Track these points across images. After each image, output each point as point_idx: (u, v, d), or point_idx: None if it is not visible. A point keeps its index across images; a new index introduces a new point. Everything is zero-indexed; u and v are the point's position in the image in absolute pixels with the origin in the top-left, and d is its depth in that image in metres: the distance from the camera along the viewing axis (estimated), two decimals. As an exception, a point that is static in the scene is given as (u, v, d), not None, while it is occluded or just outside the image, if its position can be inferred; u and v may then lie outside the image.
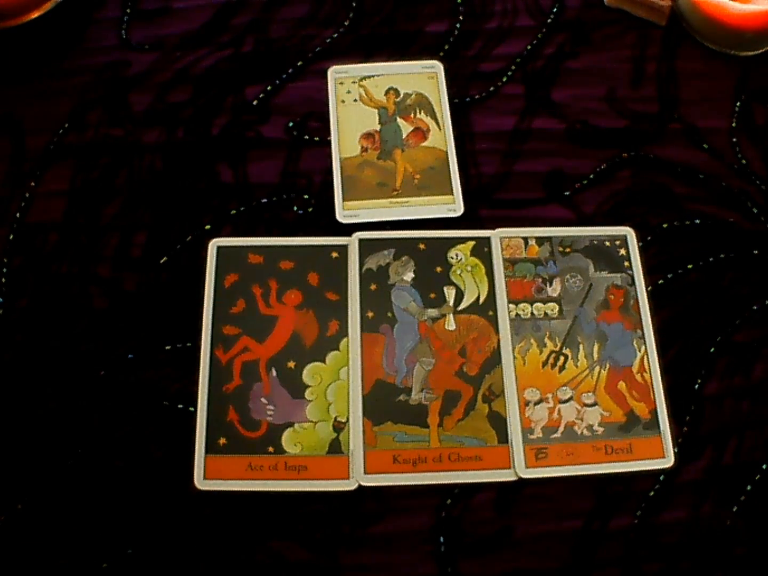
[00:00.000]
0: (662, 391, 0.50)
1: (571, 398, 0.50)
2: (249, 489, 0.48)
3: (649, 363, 0.51)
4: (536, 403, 0.50)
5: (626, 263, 0.54)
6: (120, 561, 0.46)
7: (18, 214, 0.56)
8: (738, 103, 0.60)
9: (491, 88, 0.61)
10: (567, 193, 0.57)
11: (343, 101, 0.60)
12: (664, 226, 0.56)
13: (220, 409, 0.49)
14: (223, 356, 0.51)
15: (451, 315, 0.52)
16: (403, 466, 0.48)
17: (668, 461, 0.49)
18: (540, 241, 0.55)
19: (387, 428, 0.49)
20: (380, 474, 0.48)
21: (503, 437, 0.49)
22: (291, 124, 0.59)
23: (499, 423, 0.49)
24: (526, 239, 0.55)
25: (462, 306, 0.53)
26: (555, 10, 0.64)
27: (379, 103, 0.60)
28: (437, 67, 0.62)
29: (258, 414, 0.49)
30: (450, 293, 0.53)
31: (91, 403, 0.50)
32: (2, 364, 0.51)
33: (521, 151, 0.58)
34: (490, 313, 0.53)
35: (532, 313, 0.53)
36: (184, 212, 0.56)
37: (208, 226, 0.56)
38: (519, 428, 0.49)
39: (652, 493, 0.48)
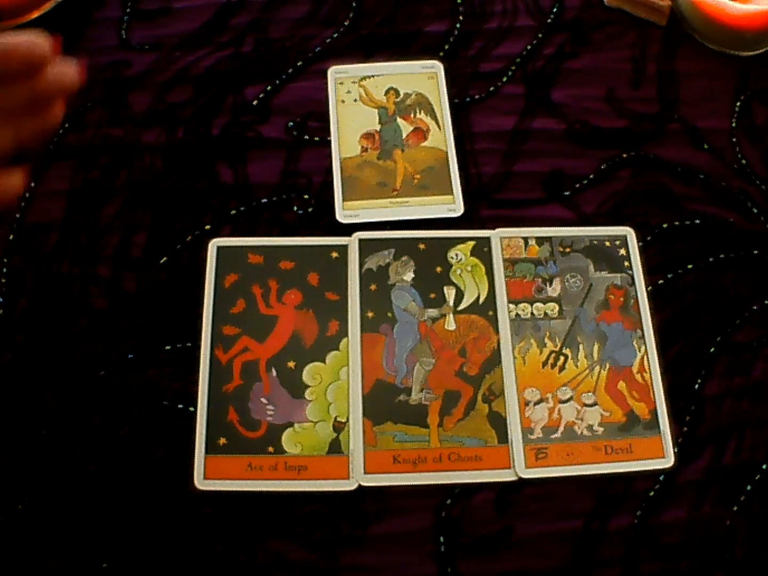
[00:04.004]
0: (662, 391, 0.50)
1: (571, 398, 0.50)
2: (249, 489, 0.48)
3: (649, 363, 0.51)
4: (536, 403, 0.50)
5: (626, 263, 0.54)
6: (120, 561, 0.46)
7: (18, 214, 0.56)
8: (738, 103, 0.60)
9: (491, 88, 0.61)
10: (567, 193, 0.57)
11: (343, 101, 0.60)
12: (664, 226, 0.56)
13: (220, 409, 0.49)
14: (223, 356, 0.51)
15: (451, 315, 0.52)
16: (403, 466, 0.48)
17: (668, 461, 0.49)
18: (540, 241, 0.55)
19: (387, 428, 0.49)
20: (380, 474, 0.48)
21: (503, 437, 0.49)
22: (291, 124, 0.59)
23: (499, 423, 0.49)
24: (526, 239, 0.55)
25: (462, 306, 0.53)
26: (555, 10, 0.64)
27: (379, 103, 0.60)
28: (437, 67, 0.62)
29: (258, 414, 0.49)
30: (450, 293, 0.53)
31: (91, 403, 0.50)
32: (2, 364, 0.51)
33: (521, 151, 0.58)
34: (490, 313, 0.53)
35: (532, 313, 0.53)
36: (184, 212, 0.56)
37: (208, 226, 0.56)
38: (519, 428, 0.49)
39: (652, 493, 0.48)
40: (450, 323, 0.52)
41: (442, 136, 0.59)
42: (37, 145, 0.37)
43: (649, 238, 0.56)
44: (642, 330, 0.52)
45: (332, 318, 0.52)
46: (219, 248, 0.54)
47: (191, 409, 0.50)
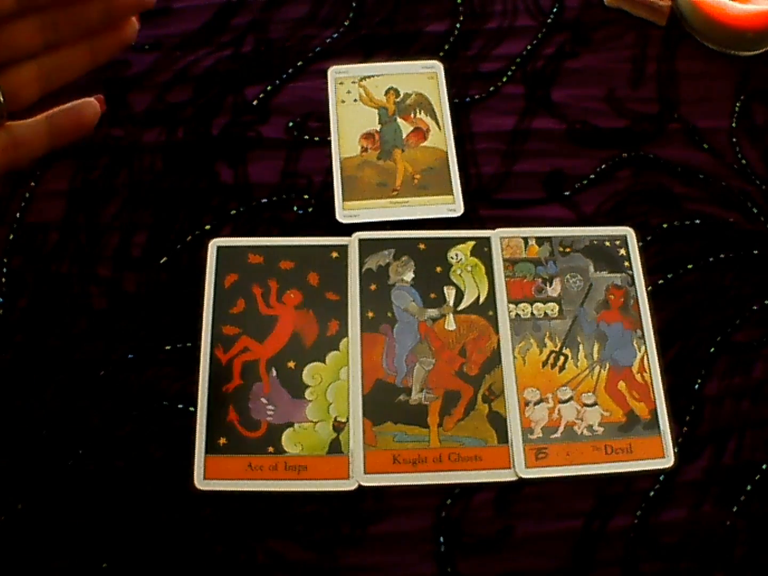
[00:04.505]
0: (662, 391, 0.50)
1: (571, 398, 0.50)
2: (249, 489, 0.48)
3: (649, 363, 0.51)
4: (536, 403, 0.50)
5: (626, 263, 0.54)
6: (120, 561, 0.46)
7: (18, 214, 0.56)
8: (738, 103, 0.60)
9: (491, 88, 0.61)
10: (567, 193, 0.57)
11: (343, 101, 0.60)
12: (664, 226, 0.56)
13: (220, 409, 0.49)
14: (223, 356, 0.51)
15: (451, 315, 0.52)
16: (403, 466, 0.48)
17: (668, 461, 0.49)
18: (540, 241, 0.55)
19: (387, 428, 0.49)
20: (380, 474, 0.48)
21: (503, 437, 0.49)
22: (291, 124, 0.59)
23: (499, 423, 0.49)
24: (526, 239, 0.55)
25: (462, 306, 0.53)
26: (555, 10, 0.64)
27: (379, 103, 0.60)
28: (437, 67, 0.62)
29: (258, 414, 0.49)
30: (450, 293, 0.53)
31: (91, 403, 0.50)
32: (2, 364, 0.51)
33: (521, 151, 0.58)
34: (490, 313, 0.53)
35: (532, 313, 0.53)
36: (184, 212, 0.56)
37: (208, 226, 0.56)
38: (519, 428, 0.49)
39: (652, 493, 0.48)
40: (450, 323, 0.52)
41: (442, 136, 0.59)
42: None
43: (649, 238, 0.56)
44: (642, 330, 0.52)
45: (332, 318, 0.52)
46: (219, 248, 0.54)
47: (191, 409, 0.50)
